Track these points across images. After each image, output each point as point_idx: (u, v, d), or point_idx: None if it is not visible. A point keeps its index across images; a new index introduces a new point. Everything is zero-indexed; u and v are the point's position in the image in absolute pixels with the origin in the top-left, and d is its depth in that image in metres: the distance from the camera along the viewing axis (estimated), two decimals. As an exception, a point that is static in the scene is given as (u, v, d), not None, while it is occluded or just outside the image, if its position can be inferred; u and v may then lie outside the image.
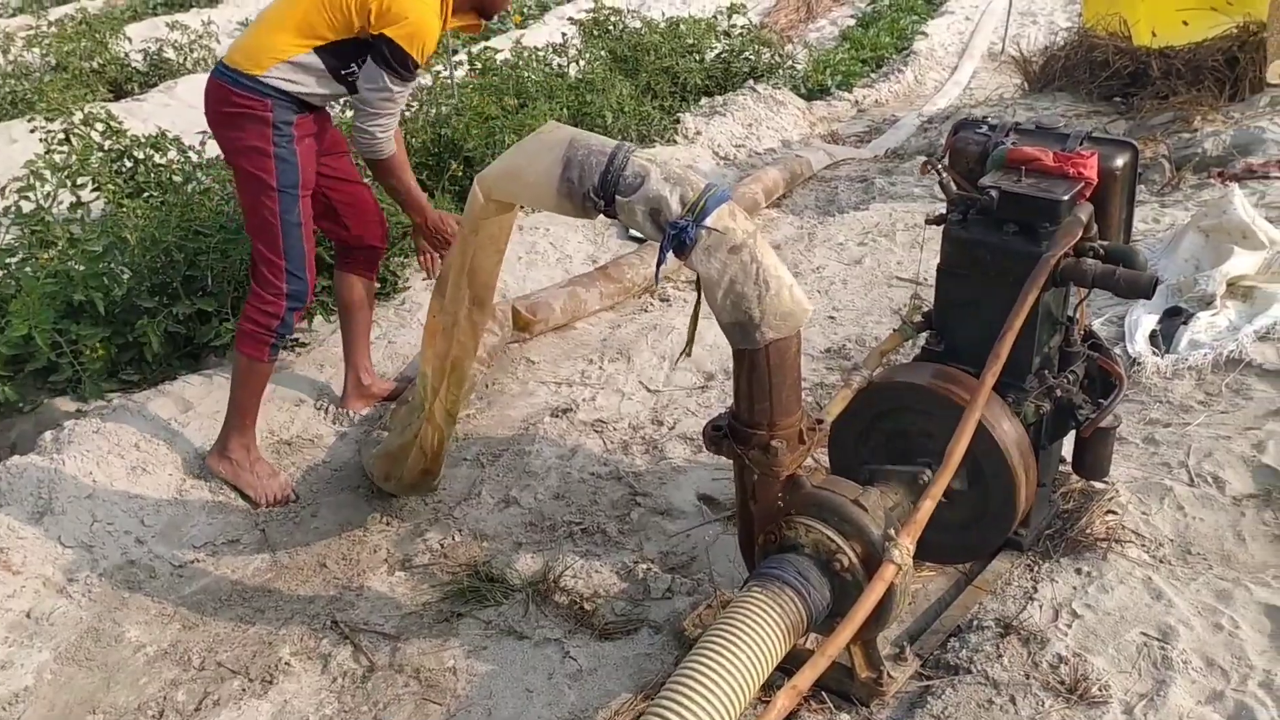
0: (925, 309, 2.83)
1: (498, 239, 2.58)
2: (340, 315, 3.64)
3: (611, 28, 7.29)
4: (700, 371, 3.91)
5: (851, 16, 13.99)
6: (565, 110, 5.55)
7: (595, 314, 4.36)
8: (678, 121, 6.45)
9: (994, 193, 2.50)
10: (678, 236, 2.20)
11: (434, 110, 5.06)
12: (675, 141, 6.33)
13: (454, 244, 2.56)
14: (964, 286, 2.63)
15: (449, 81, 5.80)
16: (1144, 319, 3.66)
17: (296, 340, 3.98)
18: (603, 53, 6.58)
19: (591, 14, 7.49)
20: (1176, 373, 3.46)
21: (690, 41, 7.36)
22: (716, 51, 7.72)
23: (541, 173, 2.30)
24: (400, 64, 3.01)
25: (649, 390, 3.85)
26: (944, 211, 2.70)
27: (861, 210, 5.35)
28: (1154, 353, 3.54)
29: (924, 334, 2.78)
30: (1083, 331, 2.72)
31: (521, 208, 2.77)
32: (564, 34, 7.36)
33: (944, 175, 2.62)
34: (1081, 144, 2.60)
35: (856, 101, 9.33)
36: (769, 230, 5.25)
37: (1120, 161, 2.56)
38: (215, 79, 3.09)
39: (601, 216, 2.32)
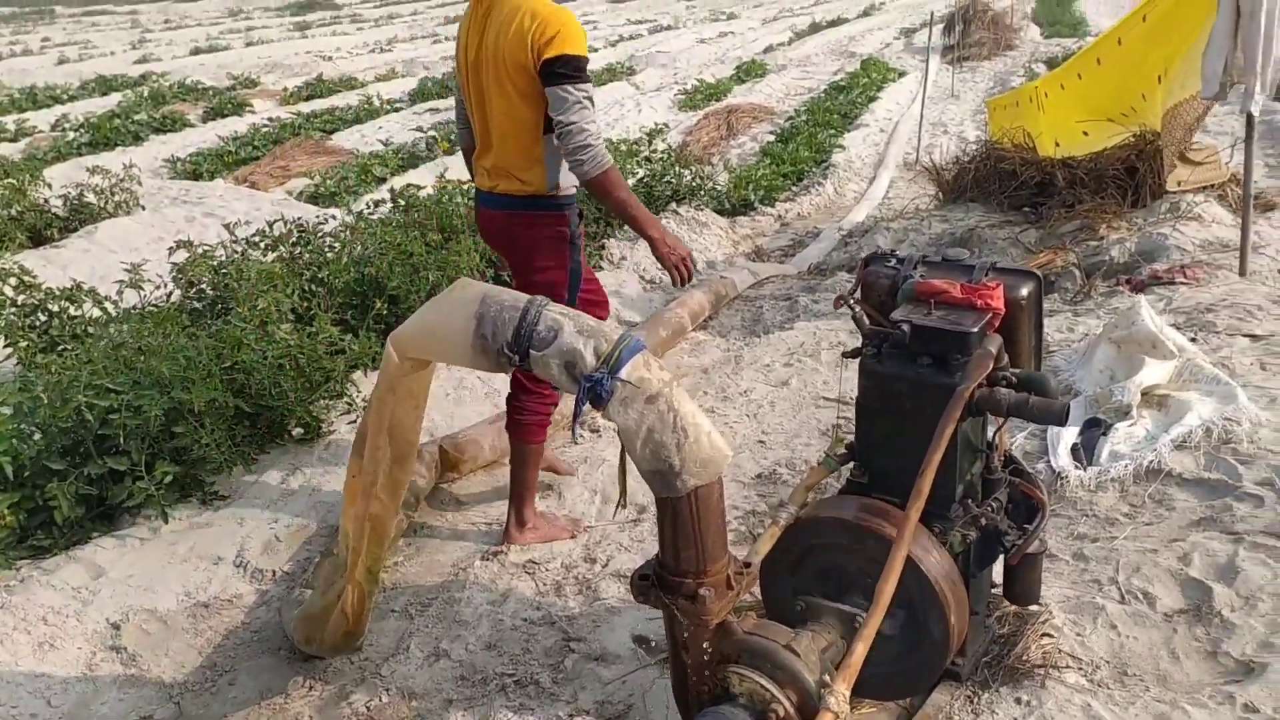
0: (848, 440, 2.84)
1: (417, 395, 2.55)
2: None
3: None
4: (632, 504, 3.86)
5: (771, 132, 14.44)
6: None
7: (525, 449, 4.32)
8: (603, 248, 6.53)
9: (906, 327, 2.54)
10: (593, 389, 2.19)
11: (356, 249, 5.05)
12: (601, 268, 6.39)
13: (370, 404, 2.52)
14: (883, 419, 2.65)
15: (372, 218, 5.83)
16: (1065, 432, 3.72)
17: (215, 493, 3.87)
18: None
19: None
20: (1100, 485, 3.50)
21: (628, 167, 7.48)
22: (639, 176, 7.88)
23: (455, 330, 2.29)
24: (575, 69, 3.02)
25: (581, 526, 3.80)
26: (860, 345, 2.73)
27: (787, 330, 5.42)
28: (1077, 466, 3.58)
29: (848, 465, 2.79)
30: (1003, 457, 2.74)
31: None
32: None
33: (857, 310, 2.66)
34: (987, 275, 2.66)
35: (779, 215, 9.56)
36: (696, 354, 5.29)
37: (1025, 291, 2.62)
38: (510, 211, 3.27)
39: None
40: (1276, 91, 4.78)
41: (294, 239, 4.97)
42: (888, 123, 15.16)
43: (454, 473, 4.07)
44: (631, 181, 7.78)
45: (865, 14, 31.56)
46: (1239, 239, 5.71)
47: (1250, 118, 4.91)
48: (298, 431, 4.21)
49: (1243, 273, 5.12)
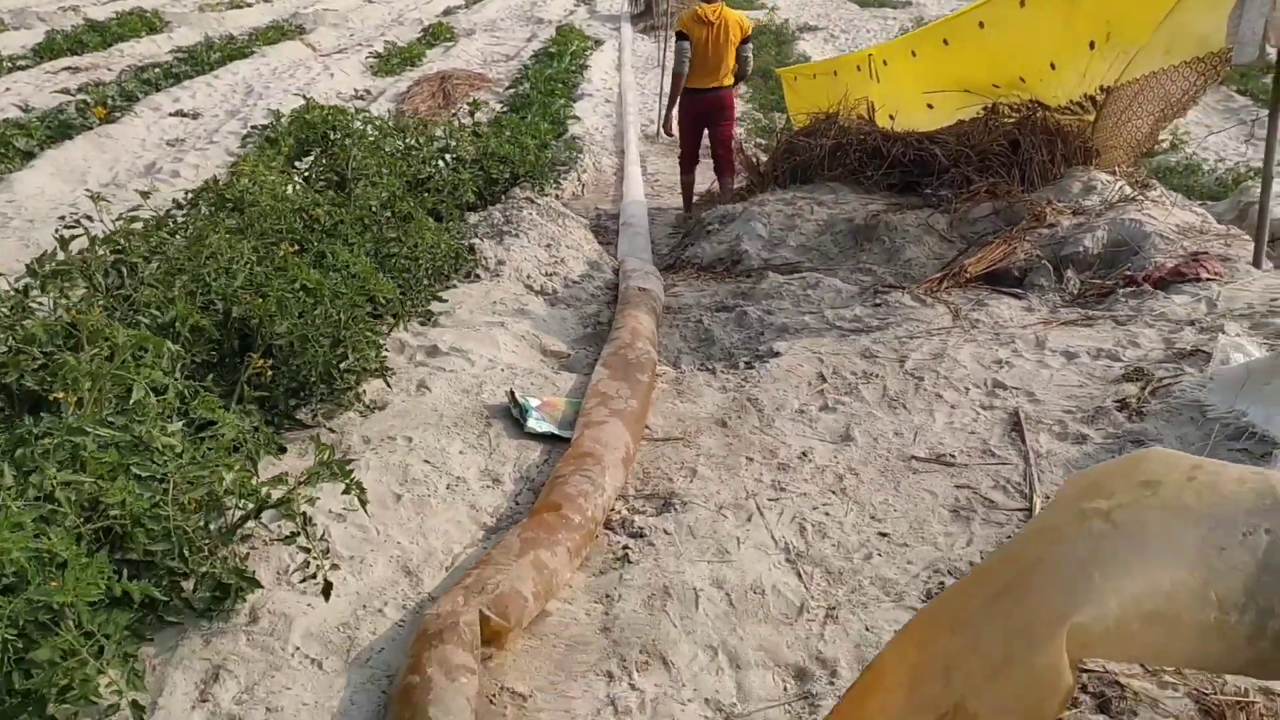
0: None
1: None
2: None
3: (331, 132, 5.58)
4: (784, 666, 2.55)
5: (499, 102, 13.23)
6: (363, 255, 3.91)
7: (568, 584, 2.85)
8: (472, 250, 4.98)
9: None
10: None
11: (208, 271, 3.19)
12: (477, 277, 4.86)
13: None
14: None
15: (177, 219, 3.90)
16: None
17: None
18: (383, 173, 4.85)
19: (296, 112, 5.75)
20: None
21: (451, 143, 5.85)
22: (472, 156, 6.27)
23: (1201, 594, 0.93)
24: (750, 39, 7.36)
25: (723, 715, 2.44)
26: None
27: (778, 358, 4.21)
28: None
29: None
30: None
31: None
32: (298, 178, 5.50)
33: None
34: None
35: (557, 195, 8.35)
36: (688, 397, 3.96)
37: None
38: (724, 92, 7.34)
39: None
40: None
41: (110, 260, 3.07)
42: (609, 92, 14.53)
43: (493, 647, 2.54)
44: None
45: (533, -22, 30.47)
46: (1202, 223, 5.24)
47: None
48: (201, 599, 2.48)
49: (1257, 263, 4.58)
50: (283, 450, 3.18)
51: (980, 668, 1.00)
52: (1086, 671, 2.51)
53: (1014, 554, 1.06)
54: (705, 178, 8.43)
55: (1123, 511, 0.97)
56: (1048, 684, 0.96)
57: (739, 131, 10.50)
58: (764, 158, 7.92)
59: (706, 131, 7.61)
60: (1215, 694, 2.44)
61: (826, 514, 3.14)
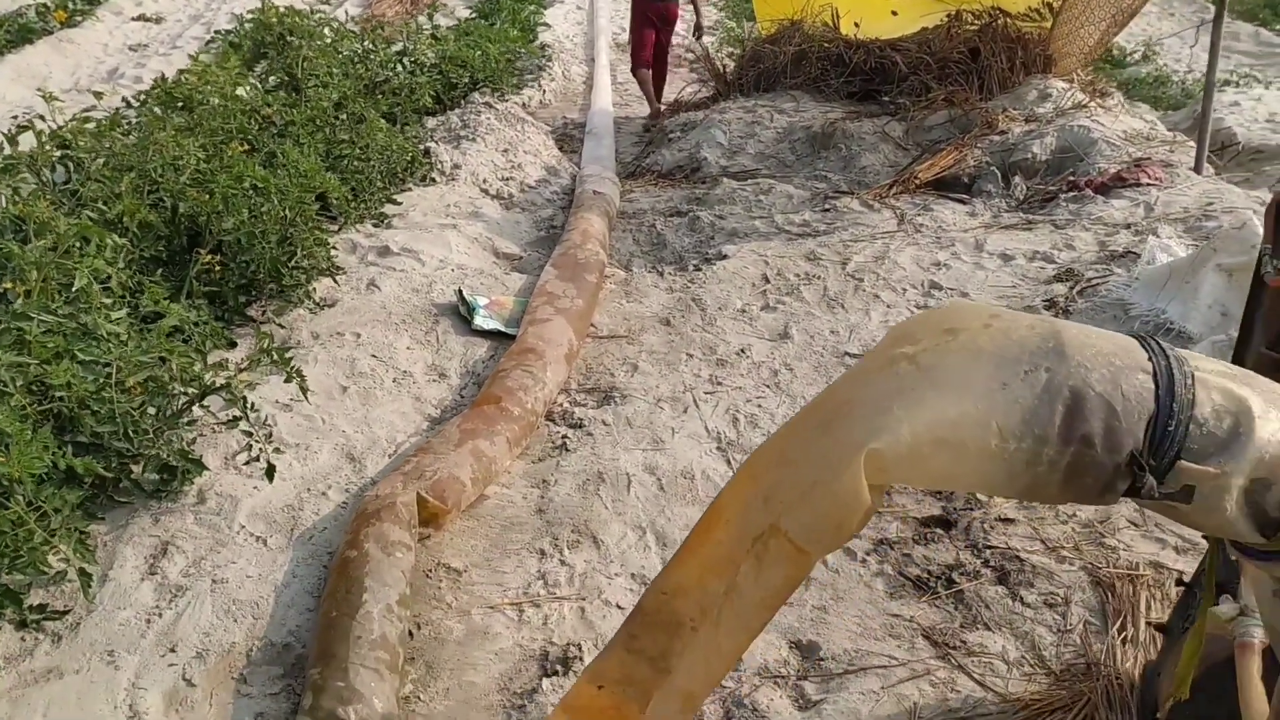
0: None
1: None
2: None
3: (287, 35, 5.56)
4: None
5: (469, 9, 13.03)
6: (315, 155, 3.96)
7: (507, 470, 2.98)
8: (427, 153, 5.02)
9: None
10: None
11: (167, 172, 3.24)
12: (432, 180, 4.91)
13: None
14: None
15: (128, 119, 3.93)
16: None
17: (46, 611, 2.24)
18: (334, 73, 4.88)
19: (255, 14, 5.72)
20: None
21: (409, 46, 5.84)
22: (431, 61, 6.26)
23: (990, 430, 1.05)
24: None
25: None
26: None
27: (726, 260, 4.31)
28: None
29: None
30: None
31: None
32: (253, 79, 5.49)
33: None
34: None
35: (524, 103, 8.32)
36: (635, 297, 4.07)
37: None
38: (674, 4, 7.58)
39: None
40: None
41: (56, 156, 3.12)
42: (583, -1, 14.32)
43: (430, 528, 2.67)
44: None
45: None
46: (1149, 130, 5.32)
47: (1222, -1, 4.39)
48: (150, 481, 2.60)
49: (1198, 168, 4.68)
50: (233, 345, 3.27)
51: (793, 493, 1.13)
52: (990, 548, 2.68)
53: (832, 394, 1.19)
54: (674, 86, 8.46)
55: (925, 355, 1.09)
56: (848, 504, 1.09)
57: (709, 40, 10.48)
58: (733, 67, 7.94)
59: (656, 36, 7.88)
60: (1107, 568, 2.62)
61: (759, 406, 3.28)
